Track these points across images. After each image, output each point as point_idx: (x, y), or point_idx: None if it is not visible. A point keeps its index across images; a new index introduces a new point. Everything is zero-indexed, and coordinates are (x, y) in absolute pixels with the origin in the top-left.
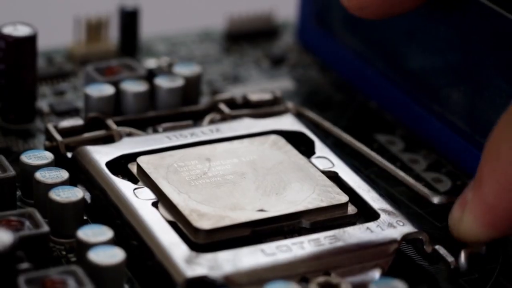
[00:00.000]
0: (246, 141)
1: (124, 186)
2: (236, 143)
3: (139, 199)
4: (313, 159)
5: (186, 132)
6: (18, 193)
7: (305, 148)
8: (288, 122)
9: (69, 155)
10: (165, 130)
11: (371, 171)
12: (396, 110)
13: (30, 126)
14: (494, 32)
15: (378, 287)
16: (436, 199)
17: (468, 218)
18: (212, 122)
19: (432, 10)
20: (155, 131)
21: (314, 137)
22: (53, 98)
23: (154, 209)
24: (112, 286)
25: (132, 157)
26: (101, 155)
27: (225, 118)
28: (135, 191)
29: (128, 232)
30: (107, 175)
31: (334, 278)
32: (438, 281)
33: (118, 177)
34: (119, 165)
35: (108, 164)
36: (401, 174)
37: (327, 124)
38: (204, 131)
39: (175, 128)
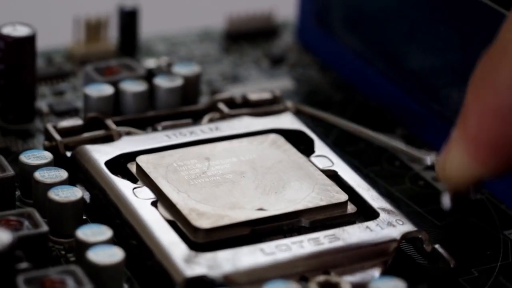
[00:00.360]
0: (245, 140)
1: (123, 185)
2: (235, 142)
3: (138, 199)
4: (312, 158)
5: (185, 130)
6: (18, 193)
7: (305, 146)
8: (288, 121)
9: (68, 154)
10: (165, 128)
11: (370, 170)
12: (396, 109)
13: (29, 126)
14: (494, 31)
15: (378, 286)
16: (429, 159)
17: (453, 153)
18: (211, 120)
19: (432, 10)
20: (155, 129)
21: (314, 135)
22: (52, 98)
23: (153, 208)
24: (111, 286)
25: (131, 156)
26: (100, 154)
27: (224, 117)
28: (135, 190)
29: (128, 231)
30: (107, 175)
31: (333, 277)
32: (438, 280)
33: (118, 176)
34: (119, 164)
35: (108, 163)
36: (393, 142)
37: (325, 115)
38: (203, 130)
39: (175, 127)
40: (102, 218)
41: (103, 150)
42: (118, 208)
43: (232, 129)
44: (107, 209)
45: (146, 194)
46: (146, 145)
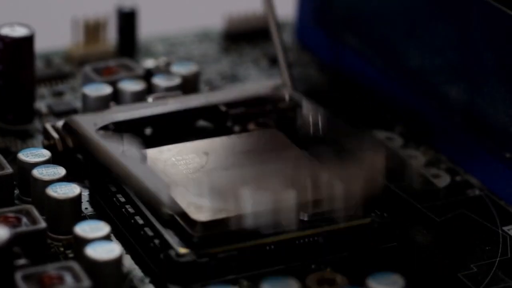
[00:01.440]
0: (244, 135)
1: (113, 147)
2: (234, 137)
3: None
4: None
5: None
6: (16, 191)
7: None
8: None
9: (61, 123)
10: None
11: None
12: (395, 107)
13: (28, 126)
14: (493, 28)
15: (376, 281)
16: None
17: None
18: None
19: (431, 8)
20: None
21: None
22: (51, 99)
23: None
24: (109, 282)
25: (123, 124)
26: (91, 124)
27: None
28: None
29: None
30: (97, 139)
31: (329, 273)
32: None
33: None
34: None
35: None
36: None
37: None
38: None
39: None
40: (100, 213)
41: (94, 120)
42: (109, 167)
43: (222, 97)
44: (102, 177)
45: (134, 153)
46: (136, 114)
